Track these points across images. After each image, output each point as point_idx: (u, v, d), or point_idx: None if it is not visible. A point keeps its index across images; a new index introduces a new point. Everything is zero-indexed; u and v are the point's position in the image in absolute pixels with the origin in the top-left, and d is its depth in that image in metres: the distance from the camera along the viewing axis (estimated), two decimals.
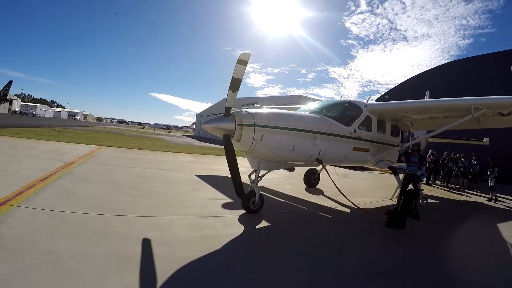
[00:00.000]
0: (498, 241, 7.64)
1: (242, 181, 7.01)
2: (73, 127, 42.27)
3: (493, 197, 13.80)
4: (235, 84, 6.52)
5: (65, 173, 9.40)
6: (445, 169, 18.56)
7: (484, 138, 17.82)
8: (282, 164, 8.22)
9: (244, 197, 7.16)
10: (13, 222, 5.10)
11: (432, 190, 15.84)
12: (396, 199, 9.84)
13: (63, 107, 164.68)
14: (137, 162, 14.35)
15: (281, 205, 9.01)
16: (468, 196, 15.00)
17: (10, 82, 62.96)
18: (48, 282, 3.49)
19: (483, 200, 14.04)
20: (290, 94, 45.44)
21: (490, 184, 13.75)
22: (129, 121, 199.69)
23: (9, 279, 3.46)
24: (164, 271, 4.04)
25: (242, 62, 6.38)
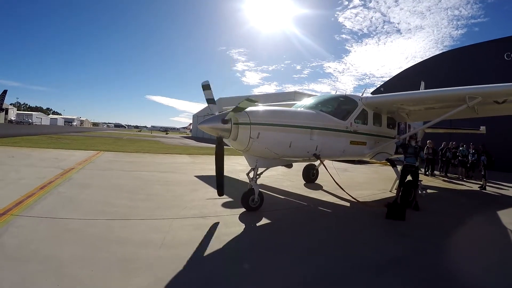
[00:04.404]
0: (499, 229, 7.68)
1: (224, 182, 7.33)
2: (70, 134, 42.15)
3: (483, 185, 13.93)
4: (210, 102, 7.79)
5: (64, 180, 9.39)
6: (443, 159, 18.61)
7: (481, 127, 17.91)
8: (280, 161, 8.23)
9: (222, 195, 7.36)
10: (15, 231, 5.10)
11: (431, 181, 15.91)
12: (395, 191, 9.89)
13: (59, 114, 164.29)
14: (136, 165, 14.34)
15: (281, 201, 9.04)
16: (468, 185, 15.05)
17: (5, 92, 62.68)
18: None
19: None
20: (286, 91, 45.41)
21: (482, 172, 13.98)
22: (126, 124, 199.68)
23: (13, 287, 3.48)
24: (166, 272, 4.06)
25: (206, 87, 7.81)
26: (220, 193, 7.22)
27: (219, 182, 7.16)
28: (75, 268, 3.99)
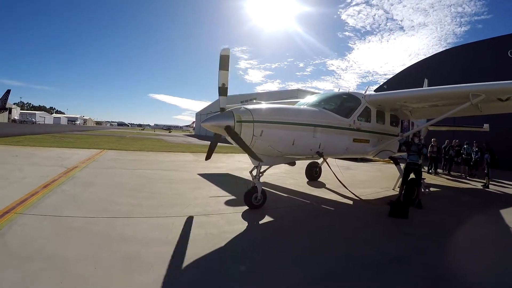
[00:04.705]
0: (501, 228, 7.64)
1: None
2: (73, 133, 42.31)
3: (486, 183, 13.86)
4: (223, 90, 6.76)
5: (68, 178, 9.43)
6: (446, 157, 18.53)
7: (484, 125, 17.80)
8: (283, 159, 8.23)
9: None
10: (19, 229, 5.13)
11: (434, 179, 15.86)
12: (398, 189, 9.87)
13: (63, 113, 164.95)
14: (139, 163, 14.38)
15: (284, 199, 9.03)
16: (471, 184, 14.98)
17: (8, 91, 63.15)
18: (56, 287, 3.52)
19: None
20: (289, 89, 45.27)
21: (485, 170, 13.89)
22: (129, 123, 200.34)
23: (16, 286, 3.49)
24: (169, 270, 4.08)
25: (224, 66, 6.58)
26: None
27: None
28: (78, 266, 4.01)
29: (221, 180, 11.32)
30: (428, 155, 17.56)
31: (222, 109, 6.72)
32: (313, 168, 12.48)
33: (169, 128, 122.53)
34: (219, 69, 6.59)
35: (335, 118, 8.59)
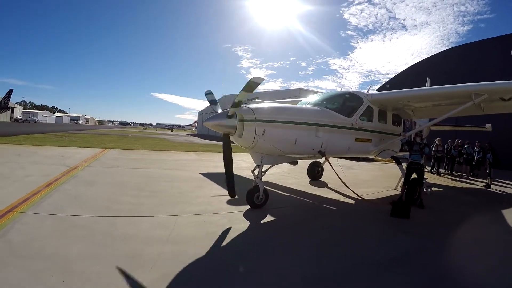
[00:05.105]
0: (503, 228, 7.63)
1: (234, 181, 7.12)
2: (75, 132, 42.41)
3: (489, 183, 13.80)
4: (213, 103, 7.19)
5: (70, 177, 9.45)
6: (448, 156, 18.47)
7: (487, 124, 17.71)
8: (285, 158, 8.23)
9: (234, 195, 7.11)
10: (21, 228, 5.14)
11: (436, 178, 15.81)
12: (400, 188, 9.85)
13: (65, 112, 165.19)
14: (141, 162, 14.41)
15: (286, 199, 9.03)
16: (473, 184, 14.93)
17: (10, 91, 63.37)
18: (58, 285, 3.53)
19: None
20: (291, 88, 45.27)
21: (487, 170, 13.85)
22: (131, 122, 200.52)
23: (19, 285, 3.50)
24: (171, 269, 4.08)
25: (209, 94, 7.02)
26: (232, 195, 7.05)
27: (230, 182, 6.99)
28: (81, 265, 4.02)
29: (223, 179, 11.24)
30: (433, 155, 17.54)
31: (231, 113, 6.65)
32: (315, 167, 12.47)
33: (171, 127, 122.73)
34: (242, 90, 6.31)
35: (337, 118, 8.57)
